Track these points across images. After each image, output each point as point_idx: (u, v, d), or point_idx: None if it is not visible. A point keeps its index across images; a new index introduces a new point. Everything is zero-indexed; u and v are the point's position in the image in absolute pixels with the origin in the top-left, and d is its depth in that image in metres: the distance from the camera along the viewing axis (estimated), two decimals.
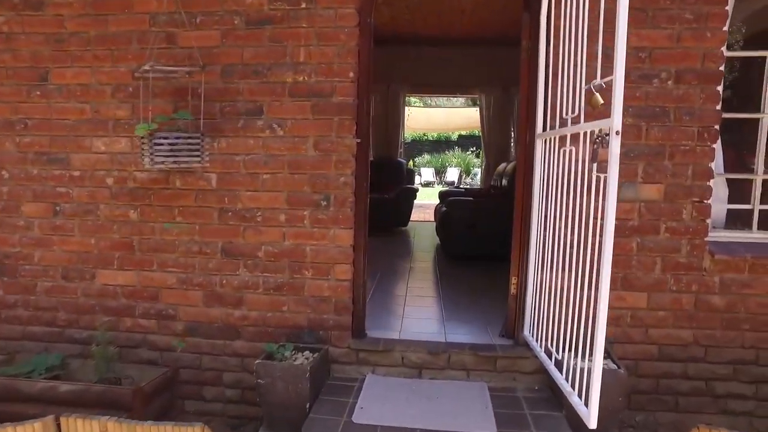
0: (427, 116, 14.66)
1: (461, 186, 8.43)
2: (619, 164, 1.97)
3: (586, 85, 2.20)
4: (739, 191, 3.24)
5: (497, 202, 5.50)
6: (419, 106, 18.41)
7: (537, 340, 2.88)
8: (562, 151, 2.51)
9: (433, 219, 7.06)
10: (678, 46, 2.82)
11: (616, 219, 2.31)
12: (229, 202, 3.12)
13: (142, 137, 2.73)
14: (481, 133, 8.83)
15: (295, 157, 3.04)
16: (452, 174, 20.90)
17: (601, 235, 2.10)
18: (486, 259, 5.47)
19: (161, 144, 2.69)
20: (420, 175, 21.22)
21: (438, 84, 8.83)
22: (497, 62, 8.66)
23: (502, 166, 6.55)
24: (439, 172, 21.49)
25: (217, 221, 3.13)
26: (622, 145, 2.28)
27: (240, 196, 3.11)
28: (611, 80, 1.91)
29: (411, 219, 8.54)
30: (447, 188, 7.76)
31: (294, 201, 3.06)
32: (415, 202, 13.74)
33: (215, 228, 3.14)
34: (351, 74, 2.97)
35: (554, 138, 2.65)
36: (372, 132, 8.13)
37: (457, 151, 22.33)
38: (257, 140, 3.06)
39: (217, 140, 3.09)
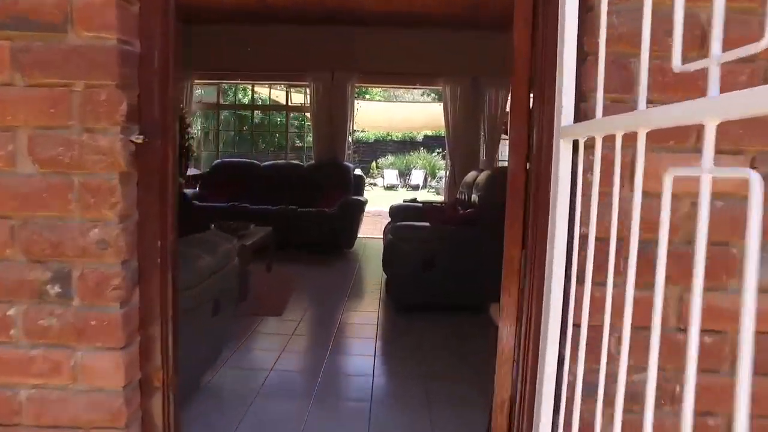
0: (389, 114, 12.93)
1: (419, 198, 6.62)
2: None
3: None
4: None
5: (466, 229, 3.81)
6: (381, 101, 16.69)
7: None
8: (668, 175, 0.78)
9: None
10: None
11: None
12: None
13: None
14: (445, 133, 7.15)
15: None
16: (417, 176, 19.29)
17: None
18: (450, 311, 3.78)
19: None
20: (383, 177, 19.54)
21: (394, 72, 7.12)
22: (465, 47, 7.00)
23: (472, 175, 4.86)
24: (404, 174, 19.82)
25: None
26: None
27: None
28: None
29: (361, 235, 6.80)
30: (401, 201, 6.02)
31: None
32: (374, 209, 12.04)
33: None
34: None
35: (628, 138, 0.93)
36: (316, 132, 6.28)
37: (423, 152, 20.72)
38: None
39: None
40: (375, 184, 19.26)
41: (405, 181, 19.39)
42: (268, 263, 5.05)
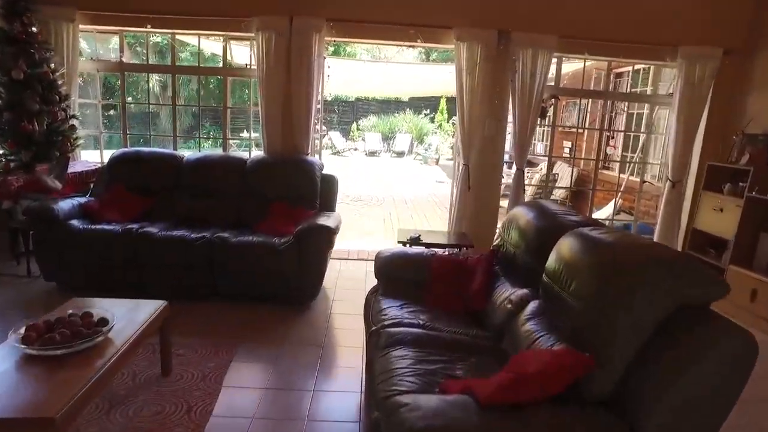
0: (369, 75, 10.25)
1: (418, 232, 4.04)
2: None
3: None
4: None
5: (556, 405, 1.53)
6: (369, 61, 13.84)
7: None
8: None
9: (374, 258, 2.97)
10: None
11: None
12: None
13: None
14: (458, 113, 4.71)
15: None
16: (402, 141, 16.75)
17: None
18: None
19: None
20: (364, 140, 16.95)
21: (382, 21, 4.58)
22: None
23: (528, 219, 2.51)
24: (387, 138, 17.24)
25: None
26: None
27: None
28: None
29: (337, 251, 4.51)
30: (396, 245, 3.64)
31: None
32: (354, 193, 9.54)
33: None
34: None
35: None
36: (266, 109, 3.65)
37: (409, 113, 18.05)
38: None
39: None
40: (356, 149, 16.72)
41: (389, 146, 16.86)
42: (164, 363, 2.73)
